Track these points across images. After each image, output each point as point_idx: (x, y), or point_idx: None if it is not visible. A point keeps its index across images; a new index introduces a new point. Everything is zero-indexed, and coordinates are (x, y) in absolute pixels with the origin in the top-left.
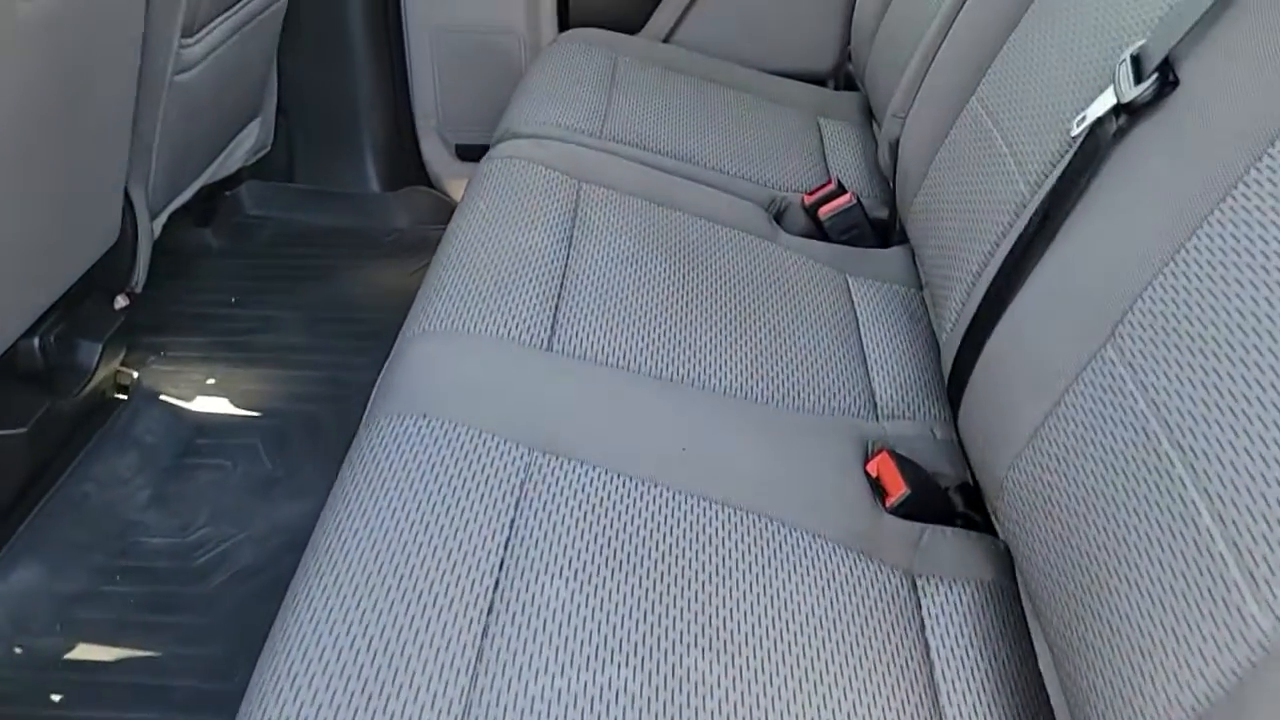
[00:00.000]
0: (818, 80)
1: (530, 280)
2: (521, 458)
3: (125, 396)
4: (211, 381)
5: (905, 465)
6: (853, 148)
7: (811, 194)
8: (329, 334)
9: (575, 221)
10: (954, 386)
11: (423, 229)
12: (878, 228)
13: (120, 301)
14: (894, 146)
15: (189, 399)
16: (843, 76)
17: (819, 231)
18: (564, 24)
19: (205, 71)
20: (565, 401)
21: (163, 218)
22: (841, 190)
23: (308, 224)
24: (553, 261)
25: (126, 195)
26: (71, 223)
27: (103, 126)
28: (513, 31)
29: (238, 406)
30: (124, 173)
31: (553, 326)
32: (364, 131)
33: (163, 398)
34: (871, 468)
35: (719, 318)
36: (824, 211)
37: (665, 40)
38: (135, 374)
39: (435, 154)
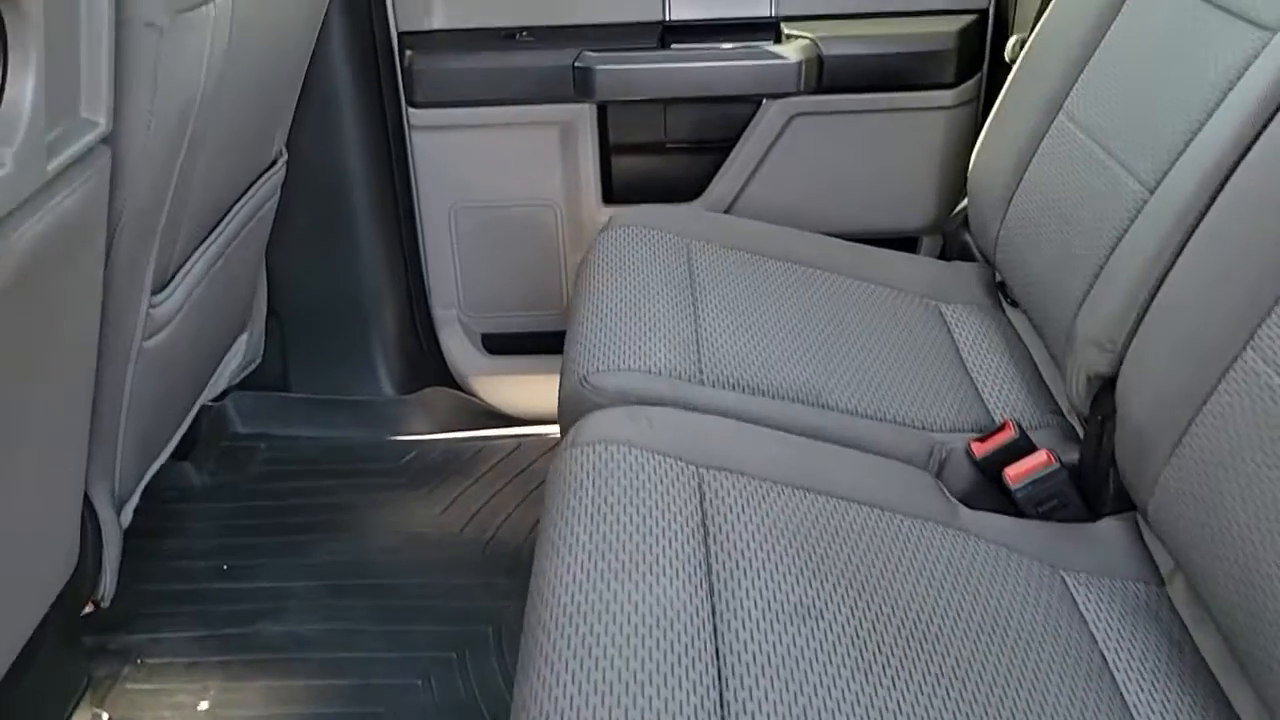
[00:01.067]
0: (908, 240)
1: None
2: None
3: None
4: (204, 707)
5: None
6: (996, 350)
7: (983, 441)
8: (351, 615)
9: (707, 533)
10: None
11: (447, 442)
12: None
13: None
14: (1096, 384)
15: None
16: (939, 237)
17: (998, 492)
18: (608, 193)
19: (181, 322)
20: None
21: (134, 501)
22: (1026, 444)
23: (310, 442)
24: (694, 622)
25: (87, 499)
26: (13, 561)
27: (52, 427)
28: (549, 204)
29: None
30: (82, 476)
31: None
32: (371, 327)
33: None
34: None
35: (907, 644)
36: (1015, 477)
37: (727, 211)
38: (105, 716)
39: (457, 348)
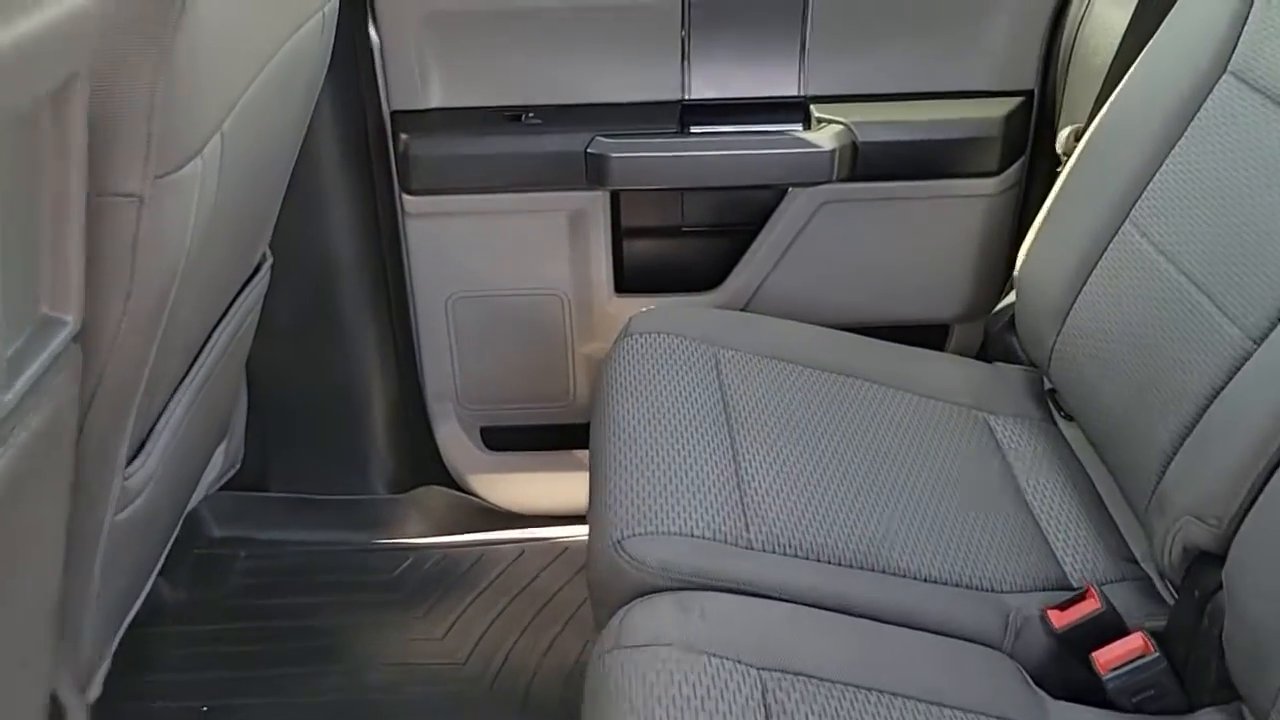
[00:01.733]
0: (939, 329)
1: None
2: None
3: None
4: None
5: None
6: (1058, 482)
7: (1062, 610)
8: None
9: None
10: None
11: (444, 547)
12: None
13: None
14: (1193, 554)
15: None
16: (972, 325)
17: (1080, 665)
18: (619, 281)
19: (156, 484)
20: None
21: (104, 667)
22: (1113, 618)
23: (295, 548)
24: None
25: (54, 699)
26: None
27: (14, 640)
28: (556, 293)
29: None
30: (47, 678)
31: None
32: (361, 421)
33: None
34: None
35: None
36: (1106, 664)
37: (745, 306)
38: None
39: (454, 443)
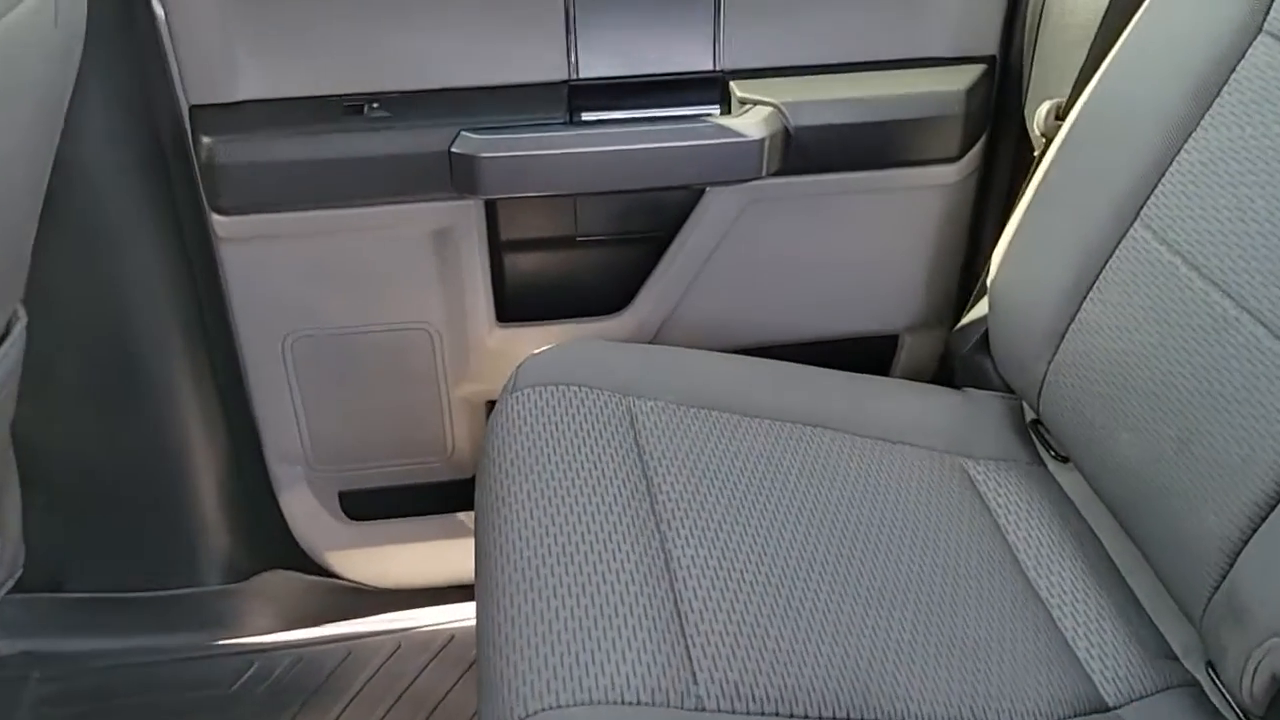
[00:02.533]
0: (886, 340)
1: None
2: None
3: None
4: None
5: None
6: (1063, 551)
7: None
8: None
9: None
10: None
11: (301, 646)
12: None
13: None
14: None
15: None
16: (922, 333)
17: None
18: (501, 307)
19: None
20: None
21: None
22: None
23: (105, 663)
24: None
25: None
26: None
27: None
28: (422, 326)
29: None
30: None
31: None
32: (182, 496)
33: None
34: None
35: None
36: None
37: (658, 333)
38: None
39: (306, 514)
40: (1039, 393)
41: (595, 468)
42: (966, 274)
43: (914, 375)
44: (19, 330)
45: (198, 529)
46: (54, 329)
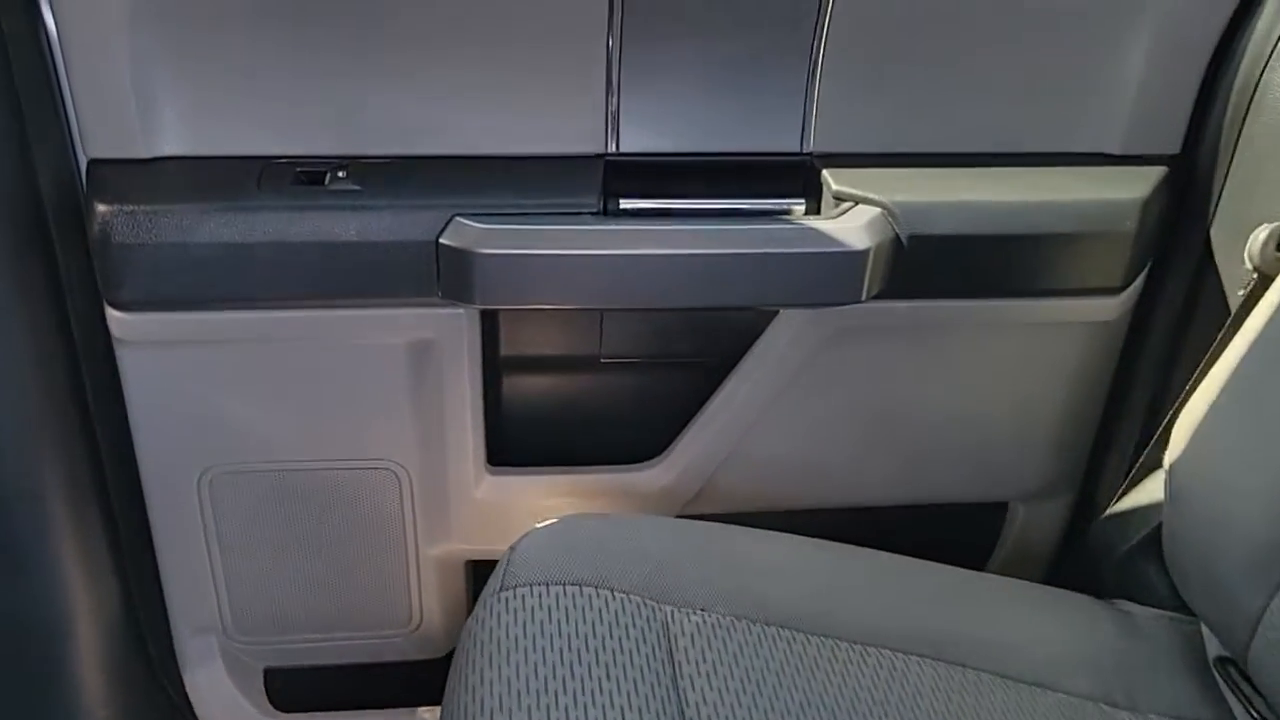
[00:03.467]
0: (995, 509)
1: None
2: None
3: None
4: None
5: None
6: None
7: None
8: None
9: None
10: None
11: None
12: None
13: None
14: None
15: None
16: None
17: None
18: (494, 447)
19: None
20: None
21: None
22: None
23: None
24: None
25: None
26: None
27: None
28: (387, 465)
29: None
30: None
31: None
32: (57, 676)
33: None
34: None
35: None
36: None
37: (702, 491)
38: None
39: (218, 698)
40: (1251, 635)
41: (614, 703)
42: (1106, 430)
43: (1025, 556)
44: None
45: (78, 716)
46: None
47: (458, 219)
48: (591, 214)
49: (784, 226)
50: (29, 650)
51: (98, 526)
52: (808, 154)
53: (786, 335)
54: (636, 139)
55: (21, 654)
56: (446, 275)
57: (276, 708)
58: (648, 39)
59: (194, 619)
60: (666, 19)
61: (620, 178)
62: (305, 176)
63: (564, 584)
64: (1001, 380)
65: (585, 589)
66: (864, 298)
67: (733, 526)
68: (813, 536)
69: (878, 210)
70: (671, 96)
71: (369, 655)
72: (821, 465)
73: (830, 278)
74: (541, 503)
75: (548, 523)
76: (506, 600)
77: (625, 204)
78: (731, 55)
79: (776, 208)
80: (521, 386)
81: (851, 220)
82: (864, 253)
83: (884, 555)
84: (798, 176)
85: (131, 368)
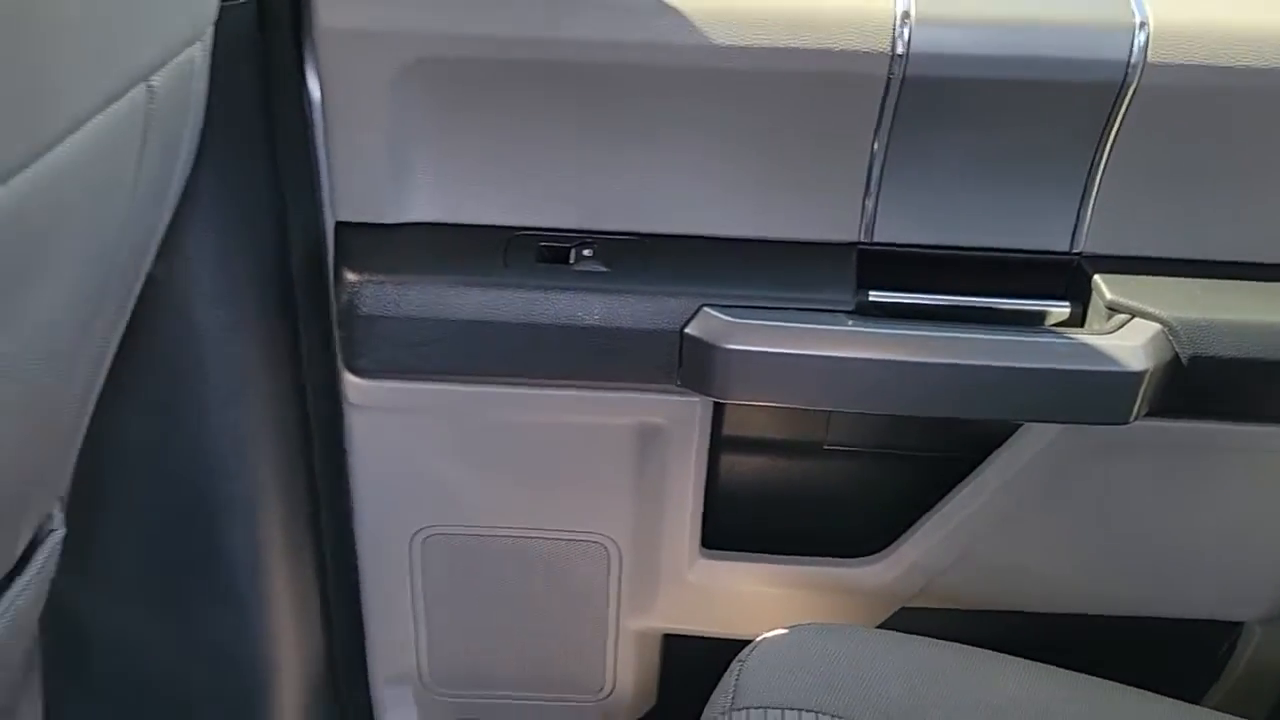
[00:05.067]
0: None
1: None
2: None
3: None
4: None
5: None
6: None
7: None
8: None
9: None
10: None
11: None
12: None
13: None
14: None
15: None
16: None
17: None
18: (710, 530)
19: None
20: None
21: None
22: None
23: None
24: None
25: None
26: None
27: None
28: (599, 538)
29: None
30: None
31: None
32: (258, 715)
33: None
34: None
35: None
36: None
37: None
38: None
39: None
40: None
41: None
42: None
43: (1258, 680)
44: (52, 545)
45: None
46: (118, 499)
47: (705, 309)
48: (843, 311)
49: (1054, 340)
50: (230, 684)
51: (310, 576)
52: (1076, 254)
53: (1038, 445)
54: (890, 230)
55: (223, 687)
56: (689, 365)
57: None
58: (915, 132)
59: (393, 668)
60: (940, 114)
61: (872, 267)
62: (550, 253)
63: (800, 710)
64: (1267, 502)
65: (822, 717)
66: (1132, 420)
67: (968, 649)
68: (1028, 639)
69: (1157, 327)
70: (931, 187)
71: (557, 716)
72: (1053, 572)
73: (1099, 397)
74: (753, 589)
75: (776, 633)
76: None
77: (875, 295)
78: (1006, 147)
79: (1038, 309)
80: (742, 468)
81: (1128, 338)
82: (1140, 374)
83: (1109, 686)
84: (1062, 277)
85: (360, 431)
